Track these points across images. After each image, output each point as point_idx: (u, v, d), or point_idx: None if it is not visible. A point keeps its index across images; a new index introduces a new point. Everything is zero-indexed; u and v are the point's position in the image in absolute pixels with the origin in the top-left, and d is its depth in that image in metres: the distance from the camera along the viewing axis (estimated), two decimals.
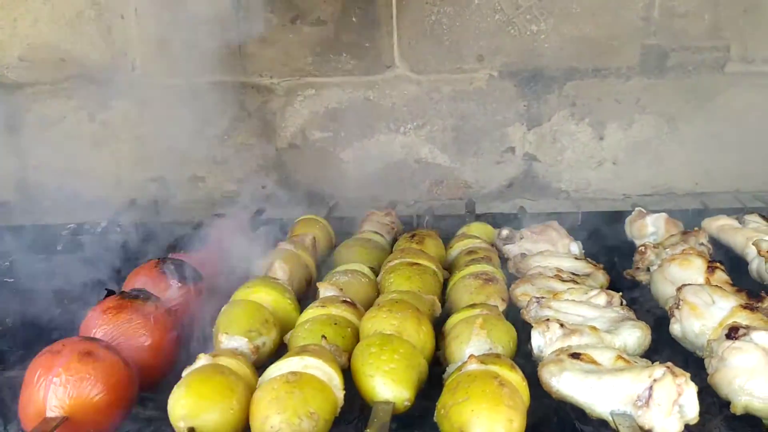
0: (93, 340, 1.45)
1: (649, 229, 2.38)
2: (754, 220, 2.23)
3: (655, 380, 1.33)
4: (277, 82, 3.01)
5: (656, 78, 3.02)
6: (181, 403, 1.29)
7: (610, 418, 1.35)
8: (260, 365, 1.52)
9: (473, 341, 1.53)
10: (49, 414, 1.32)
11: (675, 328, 1.69)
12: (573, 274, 2.03)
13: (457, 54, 3.01)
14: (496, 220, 2.65)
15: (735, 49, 2.99)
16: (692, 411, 1.32)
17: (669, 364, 1.36)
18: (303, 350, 1.43)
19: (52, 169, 3.04)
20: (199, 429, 1.26)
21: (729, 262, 2.19)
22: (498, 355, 1.44)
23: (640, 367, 1.38)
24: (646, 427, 1.32)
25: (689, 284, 1.73)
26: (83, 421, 1.34)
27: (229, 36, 2.89)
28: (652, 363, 1.39)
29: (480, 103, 3.06)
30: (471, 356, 1.39)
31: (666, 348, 1.73)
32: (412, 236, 2.19)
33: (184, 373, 1.38)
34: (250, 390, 1.37)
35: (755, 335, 1.43)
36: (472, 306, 1.67)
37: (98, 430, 1.37)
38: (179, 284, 1.79)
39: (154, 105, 2.99)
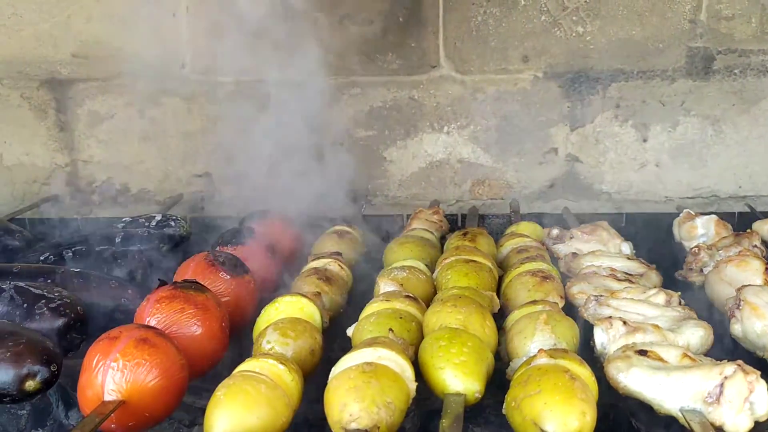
0: (148, 327, 1.49)
1: (699, 230, 2.38)
2: None
3: (726, 377, 1.34)
4: (322, 81, 3.04)
5: (701, 80, 3.02)
6: (214, 417, 1.30)
7: (680, 415, 1.36)
8: None
9: (537, 336, 1.55)
10: (107, 398, 1.35)
11: (736, 329, 1.70)
12: (626, 273, 2.04)
13: (502, 55, 3.02)
14: (540, 220, 2.67)
15: None
16: (763, 408, 1.33)
17: (740, 361, 1.38)
18: (374, 342, 1.46)
19: (102, 163, 3.10)
20: None
21: None
22: (566, 350, 1.46)
23: (709, 365, 1.39)
24: (717, 423, 1.33)
25: (750, 285, 1.73)
26: (139, 406, 1.37)
27: (277, 35, 2.92)
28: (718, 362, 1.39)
29: (524, 104, 3.07)
30: (541, 350, 1.41)
31: (723, 349, 1.73)
32: (464, 234, 2.22)
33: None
34: (288, 394, 1.38)
35: None
36: (534, 302, 1.68)
37: (152, 415, 1.41)
38: (228, 276, 1.82)
39: (202, 102, 3.04)
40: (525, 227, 2.38)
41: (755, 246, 2.13)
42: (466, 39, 2.99)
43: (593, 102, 3.07)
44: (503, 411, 1.39)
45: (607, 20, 2.96)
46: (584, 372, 1.39)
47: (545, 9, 2.95)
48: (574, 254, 2.18)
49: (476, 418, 1.49)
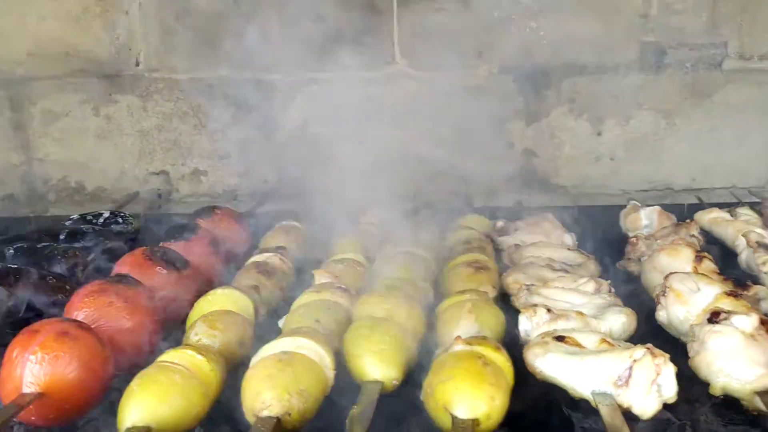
0: (71, 320, 1.50)
1: (642, 221, 2.42)
2: (745, 213, 2.27)
3: (635, 360, 1.37)
4: (279, 78, 3.06)
5: (654, 75, 3.05)
6: (127, 407, 1.31)
7: (591, 398, 1.38)
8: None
9: (462, 325, 1.57)
10: (25, 390, 1.36)
11: (661, 315, 1.73)
12: (565, 264, 2.07)
13: (456, 50, 3.03)
14: (493, 214, 2.69)
15: (732, 46, 3.02)
16: (670, 390, 1.36)
17: (649, 345, 1.40)
18: (295, 332, 1.48)
19: (57, 162, 3.10)
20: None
21: (720, 254, 2.24)
22: (484, 338, 1.48)
23: (621, 349, 1.41)
24: (625, 405, 1.36)
25: (676, 272, 1.76)
26: (59, 398, 1.38)
27: (231, 31, 2.94)
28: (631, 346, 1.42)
29: (479, 99, 3.09)
30: (457, 338, 1.43)
31: (656, 337, 1.75)
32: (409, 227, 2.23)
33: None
34: (206, 384, 1.39)
35: (735, 319, 1.46)
36: (463, 292, 1.71)
37: (74, 407, 1.41)
38: (165, 271, 1.84)
39: (157, 99, 3.05)
40: (472, 220, 2.40)
41: (692, 235, 2.16)
42: (421, 35, 3.01)
43: (548, 97, 3.10)
44: (421, 397, 1.40)
45: (560, 16, 2.98)
46: (499, 358, 1.41)
47: (499, 5, 2.96)
48: (517, 246, 2.20)
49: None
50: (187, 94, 3.03)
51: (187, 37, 2.96)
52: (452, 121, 3.10)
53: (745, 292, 1.77)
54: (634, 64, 3.04)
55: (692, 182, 3.20)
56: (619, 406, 1.36)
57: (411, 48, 3.02)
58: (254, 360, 1.43)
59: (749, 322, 1.45)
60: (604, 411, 1.32)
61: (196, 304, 1.75)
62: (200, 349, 1.45)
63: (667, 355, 1.38)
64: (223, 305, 1.70)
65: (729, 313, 1.50)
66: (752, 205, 2.47)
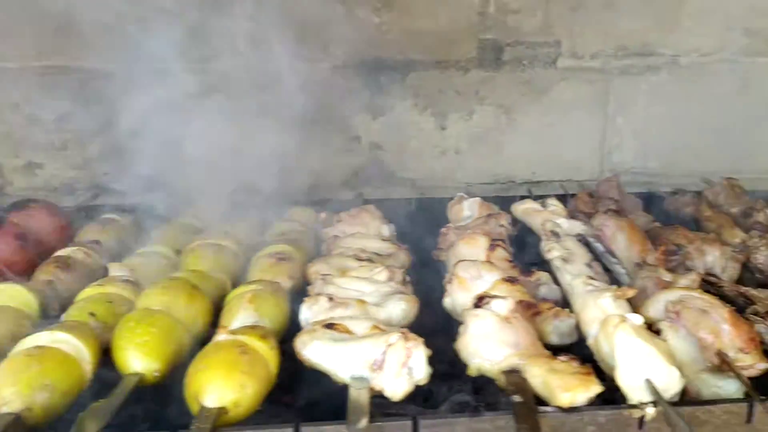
0: None
1: (465, 212, 2.50)
2: (552, 204, 2.38)
3: (389, 345, 1.42)
4: (116, 68, 2.98)
5: (493, 71, 3.15)
6: None
7: (348, 382, 1.43)
8: None
9: (240, 315, 1.59)
10: None
11: (447, 302, 1.80)
12: (377, 254, 2.12)
13: (303, 42, 3.04)
14: (333, 208, 2.71)
15: (565, 45, 3.16)
16: (420, 372, 1.42)
17: (404, 330, 1.46)
18: (57, 326, 1.46)
19: None
20: None
21: (535, 242, 2.35)
22: (253, 327, 1.50)
23: (379, 334, 1.47)
24: (377, 388, 1.41)
25: (463, 260, 1.83)
26: None
27: (66, 20, 2.84)
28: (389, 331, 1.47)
29: (324, 93, 3.10)
30: (221, 327, 1.45)
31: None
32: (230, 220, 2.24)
33: None
34: None
35: (494, 303, 1.54)
36: (251, 283, 1.73)
37: None
38: None
39: None
40: (297, 213, 2.42)
41: (501, 225, 2.25)
42: (262, 25, 2.99)
43: (393, 91, 3.15)
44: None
45: (402, 11, 3.04)
46: (263, 346, 1.44)
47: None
48: (336, 237, 2.24)
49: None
50: (17, 84, 2.92)
51: (17, 23, 2.84)
52: (299, 113, 3.12)
53: (528, 278, 1.87)
54: (474, 61, 3.14)
55: (533, 175, 3.33)
56: (372, 389, 1.40)
57: (253, 38, 3.00)
58: (9, 355, 1.40)
59: (505, 306, 1.54)
60: (353, 394, 1.36)
61: None
62: None
63: (420, 339, 1.44)
64: (1, 301, 1.65)
65: (491, 297, 1.57)
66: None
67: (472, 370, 1.52)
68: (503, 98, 3.20)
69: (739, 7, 3.16)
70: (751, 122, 3.31)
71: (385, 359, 1.42)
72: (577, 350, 1.60)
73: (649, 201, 2.88)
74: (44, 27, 2.87)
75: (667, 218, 2.63)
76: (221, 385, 1.32)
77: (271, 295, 1.68)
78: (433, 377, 1.47)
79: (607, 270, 2.09)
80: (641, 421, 1.36)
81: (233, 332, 1.45)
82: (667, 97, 3.27)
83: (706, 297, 1.57)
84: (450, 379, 1.56)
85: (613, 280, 2.07)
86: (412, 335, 1.44)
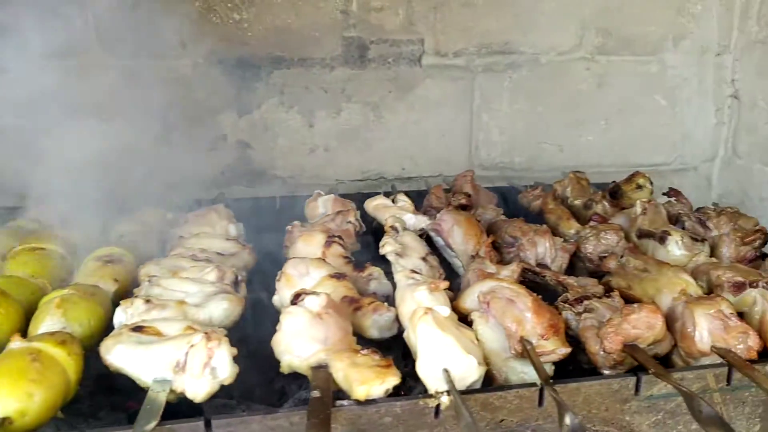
0: None
1: (320, 209, 2.50)
2: (402, 199, 2.42)
3: (191, 345, 1.41)
4: None
5: (359, 69, 3.17)
6: None
7: (150, 385, 1.40)
8: None
9: (47, 321, 1.54)
10: None
11: (275, 299, 1.80)
12: (220, 254, 2.09)
13: (160, 39, 2.97)
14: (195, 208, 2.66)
15: (429, 43, 3.21)
16: (224, 372, 1.41)
17: (209, 330, 1.44)
18: None
19: None
20: None
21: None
22: (52, 333, 1.45)
23: (184, 335, 1.45)
24: (179, 390, 1.39)
25: (294, 258, 1.83)
26: None
27: None
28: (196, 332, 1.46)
29: (187, 90, 3.05)
30: (16, 334, 1.39)
31: None
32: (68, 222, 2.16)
33: None
34: None
35: (307, 300, 1.55)
36: (66, 287, 1.67)
37: None
38: None
39: None
40: (144, 214, 2.37)
41: (349, 222, 2.26)
42: (118, 21, 2.91)
43: (258, 89, 3.13)
44: None
45: (263, 8, 3.02)
46: (60, 352, 1.39)
47: None
48: (181, 237, 2.20)
49: None
50: None
51: None
52: (160, 112, 3.05)
53: (360, 274, 1.89)
54: (340, 58, 3.14)
55: (402, 171, 3.37)
56: (173, 391, 1.38)
57: (108, 35, 2.92)
58: None
59: (317, 302, 1.54)
60: (149, 396, 1.34)
61: None
62: None
63: (224, 339, 1.43)
64: None
65: (307, 294, 1.58)
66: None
67: (284, 367, 1.52)
68: (370, 96, 3.22)
69: (592, 8, 3.30)
70: (609, 118, 3.47)
71: (186, 360, 1.40)
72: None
73: (511, 195, 2.98)
74: None
75: (521, 212, 2.72)
76: (5, 394, 1.27)
77: (83, 299, 1.63)
78: (288, 376, 1.47)
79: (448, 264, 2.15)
80: (437, 410, 1.40)
81: (29, 339, 1.40)
82: (530, 94, 3.38)
83: (515, 287, 1.63)
84: (302, 377, 1.54)
85: (453, 273, 2.13)
86: (216, 335, 1.43)
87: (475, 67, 3.30)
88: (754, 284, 1.66)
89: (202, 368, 1.39)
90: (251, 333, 1.71)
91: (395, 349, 1.66)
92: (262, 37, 3.06)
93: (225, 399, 1.69)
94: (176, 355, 1.41)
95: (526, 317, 1.54)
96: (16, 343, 1.39)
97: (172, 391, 1.38)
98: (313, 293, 1.56)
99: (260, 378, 1.62)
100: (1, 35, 2.77)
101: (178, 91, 3.04)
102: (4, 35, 2.76)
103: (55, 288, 1.81)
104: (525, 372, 1.55)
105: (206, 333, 1.42)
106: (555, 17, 3.29)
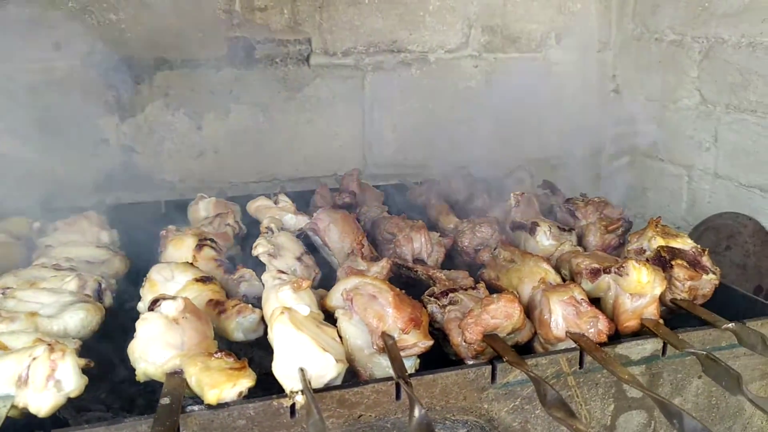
0: None
1: (201, 212, 2.45)
2: (283, 200, 2.39)
3: (33, 358, 1.35)
4: None
5: (246, 69, 3.13)
6: None
7: None
8: None
9: None
10: None
11: (139, 306, 1.75)
12: (88, 262, 2.02)
13: (32, 41, 2.85)
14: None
15: (316, 43, 3.20)
16: (70, 384, 1.36)
17: (54, 341, 1.39)
18: None
19: None
20: None
21: None
22: None
23: (27, 348, 1.38)
24: (21, 404, 1.33)
25: (159, 263, 1.79)
26: None
27: None
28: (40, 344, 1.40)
29: (64, 94, 2.93)
30: None
31: None
32: None
33: None
34: None
35: (164, 305, 1.51)
36: None
37: None
38: None
39: None
40: (11, 223, 2.26)
41: (228, 224, 2.23)
42: None
43: (141, 91, 3.04)
44: None
45: (141, 9, 2.94)
46: None
47: None
48: (48, 246, 2.11)
49: None
50: None
51: None
52: (35, 116, 2.92)
53: (231, 276, 1.86)
54: (225, 59, 3.09)
55: (296, 172, 3.35)
56: (15, 406, 1.32)
57: None
58: None
59: (174, 306, 1.51)
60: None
61: None
62: None
63: (69, 349, 1.38)
64: None
65: (164, 299, 1.54)
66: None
67: (140, 375, 1.48)
68: (259, 96, 3.19)
69: (476, 6, 3.37)
70: (498, 113, 3.54)
71: (29, 374, 1.34)
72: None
73: (403, 193, 3.00)
74: None
75: (412, 209, 2.74)
76: None
77: None
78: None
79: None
80: (293, 409, 1.38)
81: None
82: (420, 92, 3.42)
83: (377, 282, 1.64)
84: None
85: (333, 272, 2.12)
86: (61, 346, 1.38)
87: (365, 66, 3.31)
88: (608, 270, 1.72)
89: (45, 381, 1.34)
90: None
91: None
92: (142, 37, 2.98)
93: (101, 412, 1.64)
94: (18, 369, 1.35)
95: (387, 312, 1.55)
96: None
97: (14, 406, 1.32)
98: (171, 298, 1.52)
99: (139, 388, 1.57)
100: None
101: (53, 94, 2.93)
102: None
103: None
104: (390, 367, 1.56)
105: (50, 344, 1.37)
106: (440, 16, 3.34)
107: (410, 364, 1.60)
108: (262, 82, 3.18)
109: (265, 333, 1.65)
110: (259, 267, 1.95)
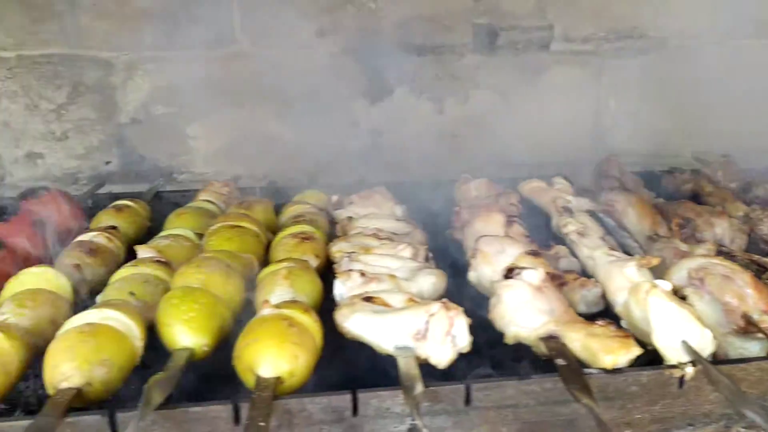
0: None
1: (472, 192, 2.55)
2: (559, 182, 2.44)
3: (431, 315, 1.46)
4: (116, 56, 2.97)
5: (488, 55, 3.20)
6: None
7: (393, 352, 1.47)
8: None
9: (276, 291, 1.61)
10: None
11: (472, 275, 1.85)
12: (393, 233, 2.15)
13: (298, 29, 3.06)
14: (339, 190, 2.73)
15: (558, 29, 3.22)
16: (463, 340, 1.47)
17: (444, 300, 1.50)
18: (104, 304, 1.47)
19: None
20: None
21: (542, 220, 2.40)
22: (294, 301, 1.53)
23: (420, 305, 1.51)
24: (423, 356, 1.45)
25: (485, 235, 1.88)
26: None
27: (61, 6, 2.84)
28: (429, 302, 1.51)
29: (323, 79, 3.13)
30: (265, 302, 1.47)
31: None
32: (241, 203, 2.26)
33: None
34: (7, 362, 1.38)
35: (525, 274, 1.59)
36: (282, 261, 1.75)
37: None
38: None
39: None
40: (309, 195, 2.45)
41: (511, 204, 2.30)
42: (262, 14, 3.00)
43: (390, 77, 3.18)
44: (232, 362, 1.43)
45: None
46: (307, 319, 1.47)
47: None
48: (350, 218, 2.27)
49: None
50: (15, 73, 2.89)
51: (12, 11, 2.81)
52: (298, 100, 3.14)
53: (547, 252, 1.93)
54: (469, 45, 3.18)
55: (529, 157, 3.38)
56: (418, 358, 1.44)
57: (252, 26, 3.02)
58: (58, 333, 1.41)
59: (537, 275, 1.59)
60: (401, 362, 1.40)
61: (6, 284, 1.69)
62: (2, 327, 1.41)
63: (460, 309, 1.48)
64: (36, 284, 1.65)
65: (521, 268, 1.62)
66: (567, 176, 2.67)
67: (509, 338, 1.57)
68: (499, 82, 3.25)
69: None
70: (740, 103, 3.39)
71: (428, 328, 1.45)
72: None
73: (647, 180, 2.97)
74: (40, 13, 2.84)
75: (666, 195, 2.70)
76: (276, 356, 1.34)
77: (303, 271, 1.71)
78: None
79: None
80: (681, 380, 1.43)
81: (277, 306, 1.48)
82: (658, 79, 3.34)
83: (728, 263, 1.64)
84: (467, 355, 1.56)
85: (626, 253, 2.14)
86: (452, 305, 1.49)
87: (604, 52, 3.29)
88: None
89: (444, 336, 1.45)
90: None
91: None
92: (396, 25, 3.11)
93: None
94: (416, 324, 1.47)
95: (747, 293, 1.56)
96: (267, 311, 1.46)
97: (417, 357, 1.44)
98: (530, 267, 1.60)
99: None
100: (158, 28, 2.91)
101: (314, 79, 3.12)
102: (162, 28, 2.89)
103: (260, 262, 1.90)
104: (744, 348, 1.57)
105: (443, 303, 1.48)
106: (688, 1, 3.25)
107: (759, 348, 1.59)
108: (502, 67, 3.24)
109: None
110: None
